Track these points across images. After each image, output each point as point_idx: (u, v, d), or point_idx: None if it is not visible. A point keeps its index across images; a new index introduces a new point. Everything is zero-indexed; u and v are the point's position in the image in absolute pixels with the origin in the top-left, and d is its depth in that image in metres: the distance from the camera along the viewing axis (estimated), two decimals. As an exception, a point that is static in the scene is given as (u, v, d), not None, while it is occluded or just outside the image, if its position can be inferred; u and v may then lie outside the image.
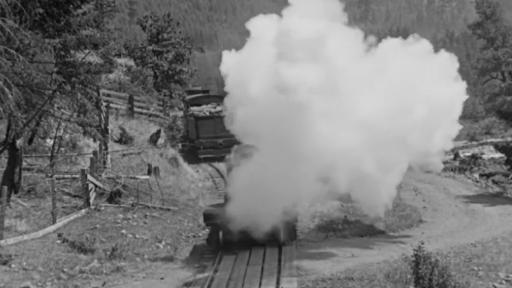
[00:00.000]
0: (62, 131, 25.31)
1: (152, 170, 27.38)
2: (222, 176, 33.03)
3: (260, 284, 15.71)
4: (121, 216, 22.18)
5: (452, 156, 35.38)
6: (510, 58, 53.43)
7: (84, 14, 23.00)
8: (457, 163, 34.88)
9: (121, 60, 45.23)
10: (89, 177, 22.58)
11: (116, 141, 31.20)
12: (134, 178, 25.46)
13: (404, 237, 21.13)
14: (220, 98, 44.98)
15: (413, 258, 14.59)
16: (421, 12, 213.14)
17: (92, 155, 24.97)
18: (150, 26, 49.45)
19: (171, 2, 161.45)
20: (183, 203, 25.01)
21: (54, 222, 20.23)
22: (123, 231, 20.82)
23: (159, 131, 34.30)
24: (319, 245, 19.94)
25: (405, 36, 20.85)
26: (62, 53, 21.53)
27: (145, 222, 22.15)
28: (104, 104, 28.62)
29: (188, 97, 43.76)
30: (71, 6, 21.86)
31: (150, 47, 48.45)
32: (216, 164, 37.36)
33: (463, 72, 23.40)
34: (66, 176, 24.37)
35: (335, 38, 17.90)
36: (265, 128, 18.46)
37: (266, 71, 18.50)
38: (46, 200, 21.66)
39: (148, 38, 49.85)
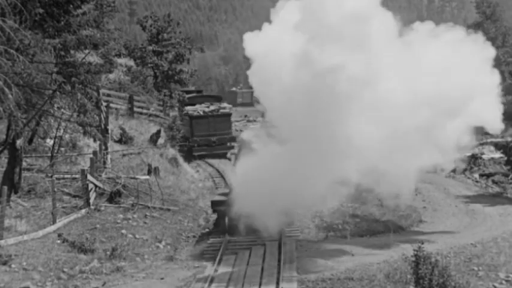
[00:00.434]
0: (62, 131, 25.29)
1: (152, 170, 27.36)
2: (222, 176, 33.11)
3: (260, 284, 15.71)
4: (121, 216, 22.17)
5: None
6: (510, 58, 53.39)
7: (84, 14, 22.99)
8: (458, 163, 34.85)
9: (121, 60, 45.15)
10: (89, 177, 22.57)
11: (116, 141, 31.17)
12: (134, 178, 25.44)
13: (404, 237, 21.12)
14: (213, 97, 47.89)
15: (413, 259, 14.58)
16: (421, 12, 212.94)
17: (92, 155, 24.96)
18: (150, 26, 49.41)
19: (171, 2, 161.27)
20: (183, 203, 25.00)
21: (54, 222, 20.22)
22: (123, 231, 20.82)
23: (159, 131, 34.29)
24: (319, 245, 19.93)
25: None
26: (62, 53, 21.53)
27: (145, 222, 22.14)
28: (104, 104, 28.57)
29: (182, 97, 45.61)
30: (71, 6, 21.88)
31: (150, 47, 48.40)
32: (216, 164, 37.51)
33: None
34: (66, 176, 24.36)
35: (375, 21, 17.26)
36: (295, 115, 17.91)
37: (299, 54, 17.82)
38: (46, 200, 21.65)
39: (148, 38, 49.80)
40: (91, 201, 22.56)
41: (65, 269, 16.96)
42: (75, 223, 20.94)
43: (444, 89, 18.50)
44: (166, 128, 37.80)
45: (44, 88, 20.77)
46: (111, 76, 40.24)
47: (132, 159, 29.41)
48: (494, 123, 20.50)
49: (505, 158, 32.35)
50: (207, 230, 22.53)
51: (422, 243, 14.77)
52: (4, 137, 22.88)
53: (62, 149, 26.22)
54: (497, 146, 33.86)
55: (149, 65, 47.90)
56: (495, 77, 20.51)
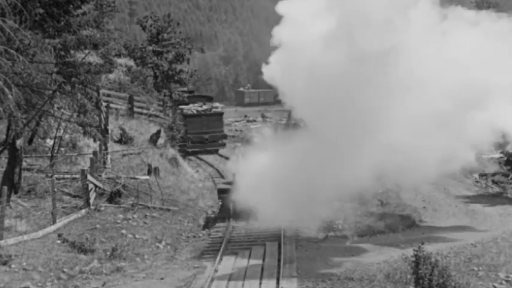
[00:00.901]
0: (62, 131, 25.28)
1: (152, 170, 27.35)
2: (222, 176, 33.16)
3: (260, 284, 15.72)
4: (121, 216, 22.17)
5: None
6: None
7: (84, 14, 22.99)
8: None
9: (121, 60, 45.13)
10: (89, 177, 22.57)
11: (116, 142, 31.15)
12: (134, 178, 25.43)
13: (404, 237, 21.11)
14: (205, 97, 50.67)
15: (413, 259, 14.58)
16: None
17: (92, 155, 24.95)
18: (150, 26, 49.43)
19: (171, 2, 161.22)
20: (183, 203, 24.99)
21: (54, 222, 20.22)
22: (123, 231, 20.82)
23: (159, 131, 34.30)
24: (319, 245, 19.92)
25: None
26: (62, 53, 21.53)
27: (145, 223, 22.14)
28: (104, 104, 28.55)
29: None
30: (71, 6, 21.88)
31: (150, 47, 48.43)
32: (216, 165, 37.60)
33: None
34: (66, 176, 24.35)
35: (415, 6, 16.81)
36: (325, 104, 17.45)
37: (333, 37, 17.31)
38: (46, 200, 21.65)
39: (148, 38, 49.82)
40: (91, 201, 22.56)
41: (65, 269, 16.96)
42: (75, 223, 20.94)
43: (474, 82, 18.01)
44: (166, 128, 37.82)
45: (44, 88, 20.76)
46: (111, 76, 40.20)
47: (132, 159, 29.40)
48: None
49: (505, 158, 32.31)
50: (212, 215, 24.06)
51: (423, 243, 14.78)
52: (4, 137, 22.88)
53: (62, 149, 26.21)
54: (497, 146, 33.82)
55: (149, 65, 47.94)
56: None
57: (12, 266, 16.74)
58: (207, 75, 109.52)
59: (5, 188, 18.73)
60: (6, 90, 18.12)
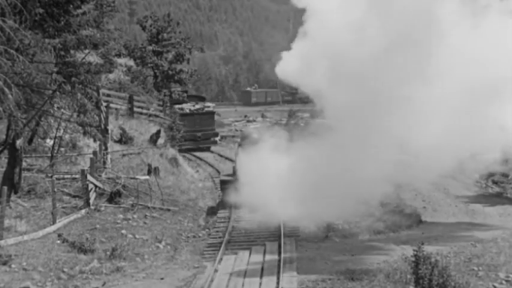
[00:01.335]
0: (62, 131, 25.28)
1: (152, 170, 27.35)
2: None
3: (260, 284, 15.72)
4: (121, 216, 22.17)
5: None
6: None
7: (84, 14, 23.01)
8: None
9: (121, 60, 45.13)
10: (89, 177, 22.56)
11: (116, 141, 31.15)
12: (134, 178, 25.43)
13: (404, 237, 21.11)
14: (197, 97, 53.66)
15: (413, 259, 14.57)
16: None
17: (91, 155, 24.95)
18: (150, 26, 49.47)
19: (171, 2, 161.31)
20: (183, 203, 25.00)
21: (54, 222, 20.22)
22: (123, 231, 20.82)
23: (159, 131, 34.30)
24: (319, 245, 19.93)
25: None
26: (62, 53, 21.55)
27: (145, 223, 22.15)
28: (104, 104, 28.55)
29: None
30: (71, 6, 21.90)
31: (150, 47, 48.48)
32: (216, 165, 37.64)
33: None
34: (66, 176, 24.35)
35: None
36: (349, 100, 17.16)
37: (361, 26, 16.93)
38: (46, 200, 21.65)
39: (148, 38, 49.85)
40: (91, 201, 22.56)
41: (65, 269, 16.96)
42: (75, 223, 20.94)
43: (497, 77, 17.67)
44: (166, 128, 37.83)
45: (44, 88, 20.77)
46: (111, 76, 40.21)
47: (132, 159, 29.40)
48: None
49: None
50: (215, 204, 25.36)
51: (423, 243, 14.77)
52: (4, 137, 22.88)
53: (62, 149, 26.20)
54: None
55: (149, 65, 47.99)
56: None
57: (12, 266, 16.75)
58: (207, 75, 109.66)
59: (5, 188, 18.73)
60: (6, 90, 18.13)
